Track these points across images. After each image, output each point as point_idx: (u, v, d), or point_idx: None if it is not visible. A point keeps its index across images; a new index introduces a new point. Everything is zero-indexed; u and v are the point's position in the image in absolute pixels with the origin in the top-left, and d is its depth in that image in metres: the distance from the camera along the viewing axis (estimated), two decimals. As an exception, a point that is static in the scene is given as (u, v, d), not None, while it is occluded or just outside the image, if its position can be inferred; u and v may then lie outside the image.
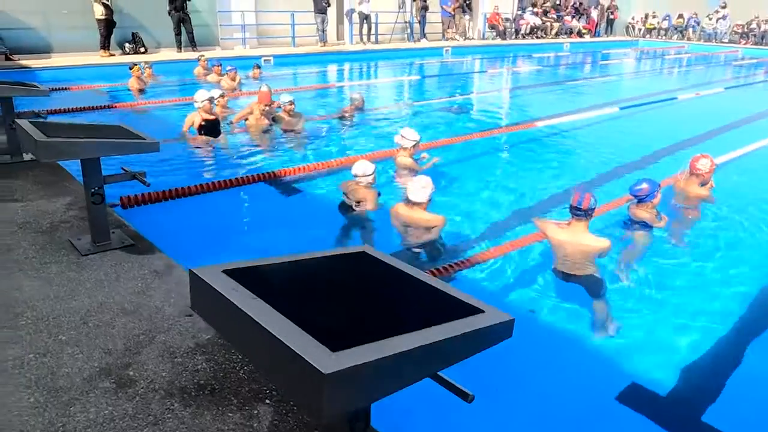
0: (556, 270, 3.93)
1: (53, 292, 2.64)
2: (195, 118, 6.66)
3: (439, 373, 1.32)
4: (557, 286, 3.88)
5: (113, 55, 12.99)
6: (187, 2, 13.69)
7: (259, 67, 12.23)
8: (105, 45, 12.86)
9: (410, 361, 1.12)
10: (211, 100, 6.65)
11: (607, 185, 5.81)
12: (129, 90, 10.06)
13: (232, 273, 1.34)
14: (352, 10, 17.48)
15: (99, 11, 12.40)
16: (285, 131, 7.30)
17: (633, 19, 27.44)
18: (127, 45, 13.37)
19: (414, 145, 5.71)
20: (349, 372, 0.99)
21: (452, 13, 20.04)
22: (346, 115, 8.20)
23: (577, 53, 21.25)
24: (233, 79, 10.53)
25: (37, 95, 4.74)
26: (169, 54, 13.72)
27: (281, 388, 1.88)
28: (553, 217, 4.85)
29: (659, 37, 26.31)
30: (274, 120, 7.27)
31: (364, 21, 17.24)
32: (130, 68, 10.12)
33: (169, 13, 13.60)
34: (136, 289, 2.69)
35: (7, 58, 11.37)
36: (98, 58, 12.62)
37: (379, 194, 4.76)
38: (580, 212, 3.80)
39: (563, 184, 5.83)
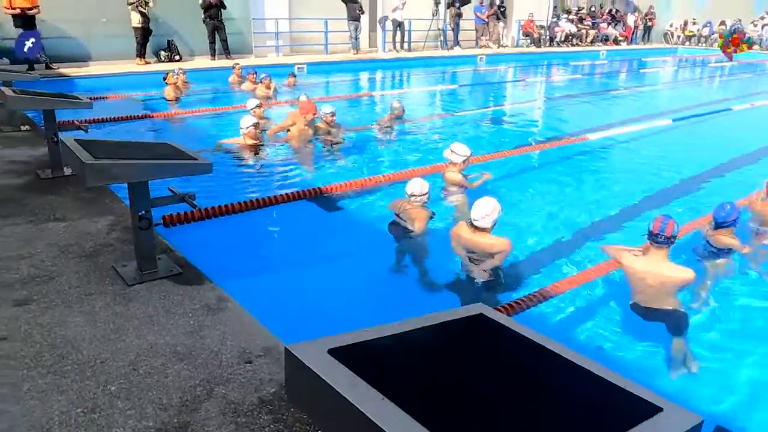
0: (634, 304, 3.58)
1: (99, 330, 2.41)
2: (239, 142, 6.47)
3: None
4: (633, 322, 3.54)
5: (149, 63, 13.01)
6: (222, 10, 13.65)
7: (294, 75, 12.06)
8: (141, 53, 12.89)
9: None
10: (256, 125, 6.43)
11: (673, 205, 5.41)
12: (165, 99, 9.98)
13: (338, 354, 1.06)
14: (386, 18, 17.29)
15: (136, 19, 12.44)
16: (324, 143, 7.07)
17: (671, 26, 26.69)
18: (162, 53, 13.38)
19: (464, 161, 5.41)
20: None
21: (486, 20, 19.71)
22: (385, 124, 7.95)
23: (614, 61, 20.71)
24: (268, 87, 10.38)
25: (79, 107, 4.59)
26: (202, 62, 13.70)
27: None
28: (620, 241, 4.49)
29: (699, 44, 25.51)
30: (315, 131, 7.06)
31: (398, 28, 17.03)
32: (164, 78, 10.03)
33: (204, 21, 13.59)
34: (188, 328, 2.44)
35: (47, 67, 11.45)
36: (134, 66, 12.65)
37: (432, 215, 4.47)
38: (661, 240, 3.45)
39: (624, 203, 5.45)
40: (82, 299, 2.66)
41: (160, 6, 12.95)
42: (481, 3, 19.51)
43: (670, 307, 3.47)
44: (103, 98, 9.92)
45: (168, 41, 13.47)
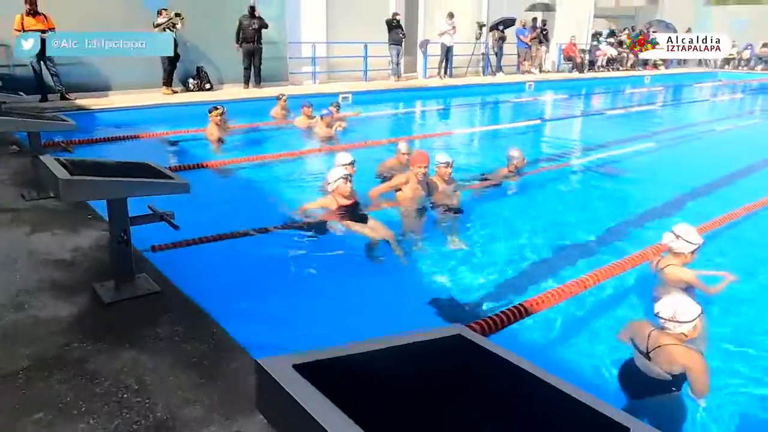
0: None
1: None
2: (327, 205, 4.82)
3: None
4: None
5: (176, 92, 11.41)
6: (262, 30, 12.01)
7: (338, 105, 10.24)
8: (168, 81, 11.32)
9: None
10: (347, 178, 4.76)
11: None
12: (206, 138, 8.33)
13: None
14: (427, 41, 15.85)
15: (164, 43, 10.86)
16: (439, 206, 5.39)
17: (707, 49, 25.51)
18: (191, 81, 11.80)
19: (694, 251, 3.81)
20: None
21: (528, 44, 18.36)
22: (505, 179, 6.31)
23: (659, 85, 19.47)
24: (329, 126, 8.74)
25: (177, 191, 2.89)
26: (234, 91, 12.07)
27: None
28: None
29: (739, 68, 24.32)
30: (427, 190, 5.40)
31: (446, 54, 15.57)
32: (210, 111, 8.37)
33: (239, 43, 11.98)
34: None
35: (63, 97, 9.82)
36: (160, 96, 11.05)
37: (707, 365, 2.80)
38: None
39: None
40: None
41: (188, 28, 11.39)
42: (524, 25, 18.17)
43: None
44: (135, 137, 8.30)
45: (197, 68, 11.89)
